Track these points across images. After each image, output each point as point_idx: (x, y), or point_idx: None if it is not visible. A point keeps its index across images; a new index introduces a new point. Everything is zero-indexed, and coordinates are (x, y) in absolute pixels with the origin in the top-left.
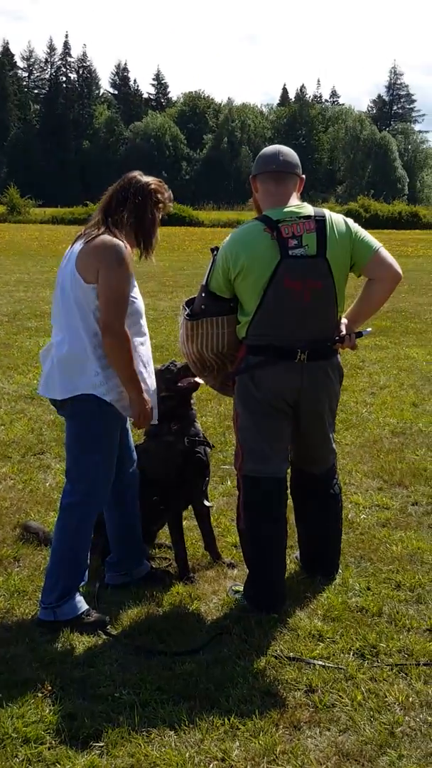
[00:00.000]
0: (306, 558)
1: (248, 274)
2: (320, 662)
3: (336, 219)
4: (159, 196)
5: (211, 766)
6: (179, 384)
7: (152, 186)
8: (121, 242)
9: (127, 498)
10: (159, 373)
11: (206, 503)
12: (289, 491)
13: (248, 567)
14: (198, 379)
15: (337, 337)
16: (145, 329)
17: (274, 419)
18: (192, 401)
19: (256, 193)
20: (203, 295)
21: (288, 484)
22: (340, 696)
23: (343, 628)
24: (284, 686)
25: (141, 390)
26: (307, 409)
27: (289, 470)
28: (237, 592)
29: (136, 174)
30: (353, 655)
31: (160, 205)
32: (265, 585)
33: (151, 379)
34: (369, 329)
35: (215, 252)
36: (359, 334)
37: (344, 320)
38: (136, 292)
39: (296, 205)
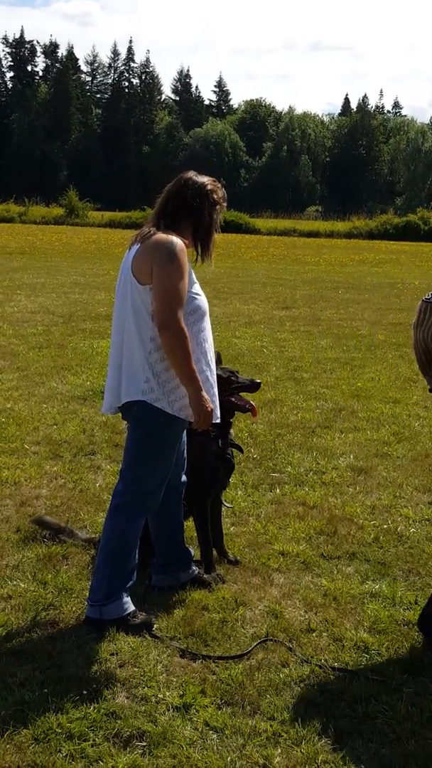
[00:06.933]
0: None
1: None
2: (365, 674)
3: None
4: (215, 196)
5: None
6: (232, 398)
7: (209, 187)
8: (174, 238)
9: (171, 502)
10: (218, 377)
11: (225, 504)
12: None
13: None
14: (254, 405)
15: None
16: (209, 327)
17: None
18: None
19: None
20: None
21: None
22: (384, 708)
23: (389, 641)
24: (328, 696)
25: (200, 389)
26: None
27: None
28: None
29: (191, 175)
30: (398, 668)
31: (218, 207)
32: None
33: (213, 377)
34: None
35: None
36: None
37: None
38: (197, 289)
39: None
